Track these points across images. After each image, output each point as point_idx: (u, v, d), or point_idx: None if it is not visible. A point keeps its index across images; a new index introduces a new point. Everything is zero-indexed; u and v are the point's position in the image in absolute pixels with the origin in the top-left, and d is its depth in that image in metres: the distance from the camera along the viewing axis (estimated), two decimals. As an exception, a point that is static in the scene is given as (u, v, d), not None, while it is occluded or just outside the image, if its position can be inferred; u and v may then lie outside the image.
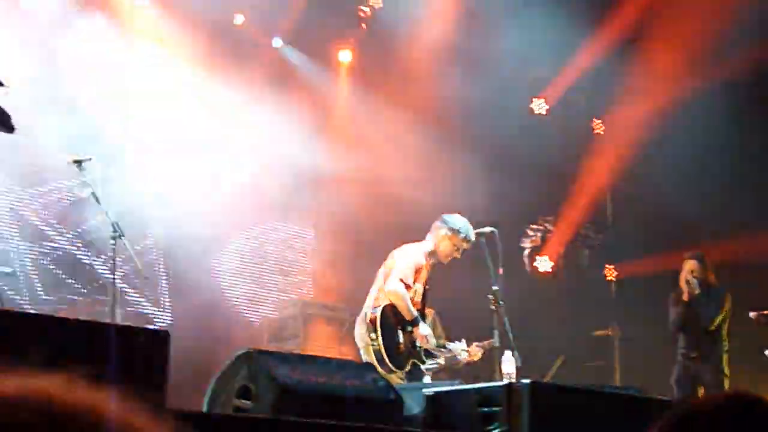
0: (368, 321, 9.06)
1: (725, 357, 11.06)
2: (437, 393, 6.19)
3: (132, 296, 12.39)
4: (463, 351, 9.84)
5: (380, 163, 13.78)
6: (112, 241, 8.32)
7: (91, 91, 12.41)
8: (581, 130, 15.52)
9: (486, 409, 5.83)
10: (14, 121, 7.26)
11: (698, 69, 13.43)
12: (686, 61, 13.47)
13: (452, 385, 7.44)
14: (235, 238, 13.85)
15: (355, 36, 14.70)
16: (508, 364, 8.55)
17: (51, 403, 1.13)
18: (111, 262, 8.55)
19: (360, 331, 9.16)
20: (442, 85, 14.03)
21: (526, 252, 15.11)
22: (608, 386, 11.69)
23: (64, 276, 11.99)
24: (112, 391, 1.23)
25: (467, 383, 7.45)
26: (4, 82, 7.17)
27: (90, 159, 8.53)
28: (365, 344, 9.01)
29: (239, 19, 13.72)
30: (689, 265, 11.16)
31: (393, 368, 8.89)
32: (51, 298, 11.82)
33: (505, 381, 8.17)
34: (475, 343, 10.36)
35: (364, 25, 14.62)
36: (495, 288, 8.98)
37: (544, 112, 15.39)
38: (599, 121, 15.54)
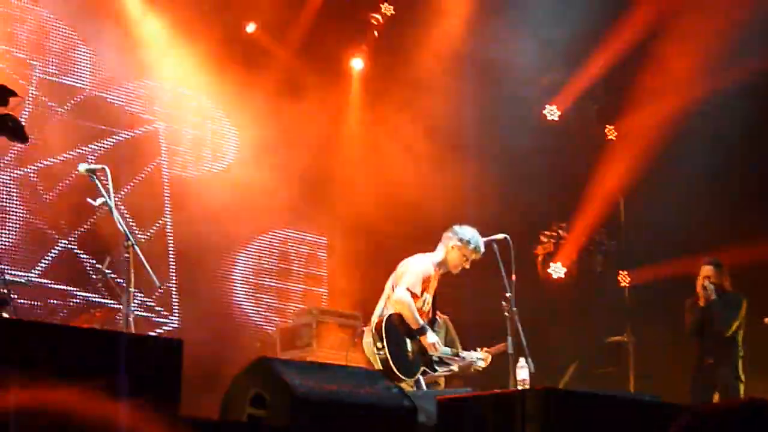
0: (374, 330, 9.06)
1: (741, 362, 11.03)
2: (450, 400, 6.17)
3: (145, 304, 12.39)
4: (480, 360, 9.81)
5: (392, 169, 13.77)
6: (126, 252, 8.31)
7: (104, 96, 12.46)
8: (594, 136, 15.48)
9: (500, 417, 5.81)
10: (27, 131, 7.26)
11: (712, 73, 13.39)
12: (700, 66, 13.43)
13: (465, 392, 7.42)
14: (247, 246, 13.85)
15: (366, 43, 14.70)
16: (522, 370, 8.54)
17: (69, 415, 1.13)
18: (124, 270, 8.55)
19: (367, 340, 9.16)
20: (454, 92, 14.02)
21: (540, 258, 15.09)
22: (622, 392, 11.69)
23: (76, 285, 12.01)
24: (127, 402, 1.23)
25: (480, 390, 7.45)
26: (17, 92, 7.18)
27: (103, 168, 8.53)
28: (372, 354, 9.00)
29: (251, 27, 13.75)
30: (705, 271, 11.13)
31: (401, 377, 8.88)
32: (64, 307, 11.84)
33: (519, 388, 8.17)
34: (484, 349, 10.36)
35: (375, 33, 14.63)
36: (508, 294, 8.97)
37: (556, 119, 15.36)
38: (611, 126, 15.51)
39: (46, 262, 11.88)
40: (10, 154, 11.59)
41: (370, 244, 13.34)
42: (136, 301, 11.95)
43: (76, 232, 12.15)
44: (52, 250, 11.96)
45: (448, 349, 9.65)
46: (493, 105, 13.96)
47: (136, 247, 8.26)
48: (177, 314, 12.69)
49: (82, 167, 8.57)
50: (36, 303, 11.58)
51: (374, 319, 9.25)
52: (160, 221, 12.85)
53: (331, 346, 12.45)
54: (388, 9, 14.56)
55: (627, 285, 15.17)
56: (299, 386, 5.28)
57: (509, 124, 14.26)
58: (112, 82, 12.66)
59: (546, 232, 15.09)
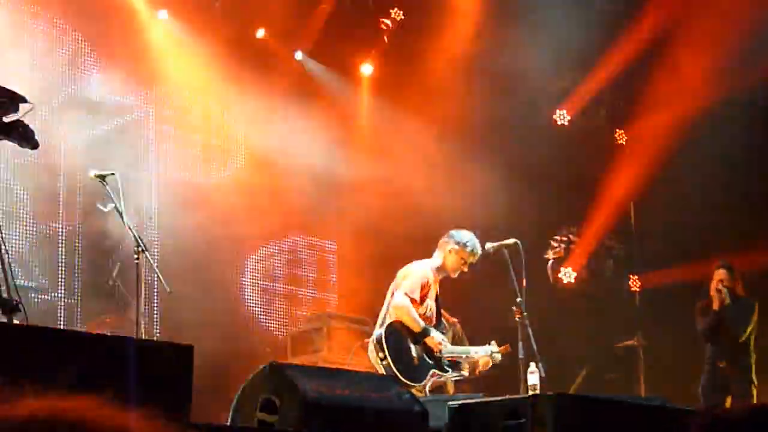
0: (375, 341, 9.08)
1: (753, 366, 11.02)
2: (462, 405, 6.17)
3: (155, 309, 12.41)
4: (496, 353, 9.77)
5: (403, 174, 13.77)
6: (135, 256, 8.33)
7: (112, 100, 12.50)
8: (604, 140, 15.48)
9: (511, 422, 5.81)
10: (38, 137, 7.27)
11: (724, 78, 13.37)
12: (711, 71, 13.42)
13: (476, 397, 7.42)
14: (257, 251, 13.87)
15: (377, 49, 14.71)
16: (533, 376, 8.53)
17: (82, 424, 1.13)
18: (134, 275, 8.56)
19: (370, 350, 9.18)
20: (464, 97, 14.02)
21: (550, 263, 15.08)
22: (632, 397, 11.67)
23: (87, 291, 12.03)
24: (139, 408, 1.23)
25: (491, 395, 7.44)
26: (28, 99, 7.20)
27: (113, 174, 8.55)
28: (377, 363, 9.00)
29: (261, 32, 13.77)
30: (719, 275, 11.12)
31: (409, 383, 8.87)
32: (74, 313, 11.86)
33: (530, 393, 8.16)
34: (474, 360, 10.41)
35: (386, 38, 14.63)
36: (519, 300, 8.97)
37: (566, 123, 15.35)
38: (622, 131, 15.50)
39: (56, 267, 11.90)
40: (19, 160, 11.60)
41: (380, 249, 13.32)
42: (150, 310, 12.01)
43: (86, 237, 12.16)
44: (62, 256, 11.97)
45: (456, 347, 9.66)
46: (503, 110, 13.95)
47: (146, 252, 8.27)
48: (187, 320, 12.69)
49: (92, 173, 8.59)
50: (46, 309, 11.59)
51: (377, 324, 9.28)
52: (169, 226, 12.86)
53: (341, 350, 12.45)
54: (398, 14, 14.56)
55: (637, 289, 15.17)
56: (310, 391, 5.28)
57: (519, 129, 14.27)
58: (121, 87, 12.67)
59: (556, 237, 15.08)
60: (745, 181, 13.71)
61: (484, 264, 9.86)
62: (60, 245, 11.97)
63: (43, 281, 11.63)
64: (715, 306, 11.08)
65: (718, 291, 11.04)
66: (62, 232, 12.00)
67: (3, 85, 7.09)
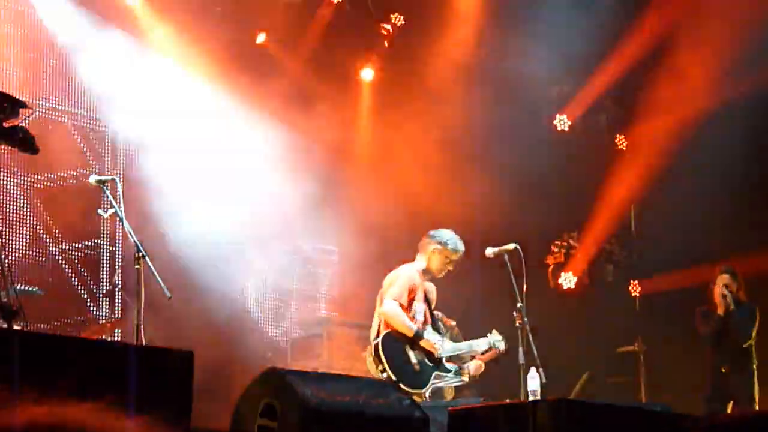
0: (373, 353, 9.09)
1: (756, 372, 11.01)
2: (462, 411, 6.16)
3: (155, 315, 12.39)
4: (499, 342, 9.76)
5: (404, 179, 13.77)
6: (136, 261, 8.32)
7: (112, 107, 12.50)
8: (604, 145, 15.49)
9: (511, 427, 5.80)
10: (37, 141, 7.28)
11: (723, 83, 13.37)
12: (711, 75, 13.42)
13: (477, 402, 7.41)
14: (257, 257, 13.85)
15: (377, 54, 14.71)
16: (533, 381, 8.52)
17: (83, 430, 1.13)
18: (134, 281, 8.55)
19: (369, 362, 9.20)
20: (465, 102, 14.02)
21: (551, 268, 15.07)
22: (633, 403, 11.66)
23: (87, 296, 12.03)
24: (139, 414, 1.22)
25: (492, 401, 7.44)
26: (27, 103, 7.20)
27: (113, 179, 8.55)
28: (377, 375, 9.01)
29: (261, 37, 13.77)
30: (724, 279, 11.11)
31: (412, 391, 8.87)
32: (75, 318, 11.85)
33: (531, 398, 8.15)
34: (477, 356, 10.41)
35: (386, 43, 14.64)
36: (519, 305, 8.96)
37: (566, 129, 15.36)
38: (622, 136, 15.51)
39: (57, 272, 11.89)
40: (19, 165, 11.60)
41: (381, 254, 13.32)
42: (149, 316, 12.00)
43: (87, 242, 12.16)
44: (63, 261, 11.97)
45: (457, 344, 9.66)
46: (503, 114, 13.96)
47: (147, 258, 8.26)
48: (188, 327, 12.68)
49: (93, 178, 8.59)
50: (47, 314, 11.59)
51: (372, 336, 9.29)
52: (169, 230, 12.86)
53: (342, 356, 12.44)
54: (398, 19, 14.56)
55: (638, 295, 15.17)
56: (311, 397, 5.27)
57: (520, 134, 14.26)
58: (120, 92, 12.66)
59: (557, 242, 15.08)
60: (745, 186, 13.71)
61: (484, 269, 9.85)
62: (60, 250, 11.96)
63: (43, 287, 11.62)
64: (720, 311, 11.07)
65: (724, 297, 11.02)
66: (62, 236, 11.98)
67: (2, 91, 7.10)
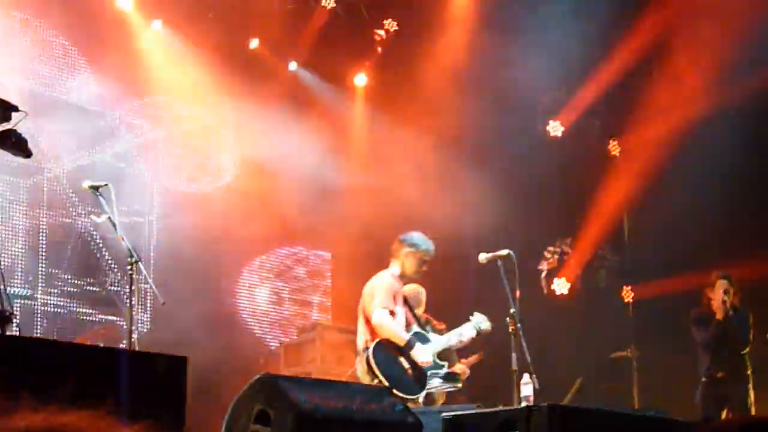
0: (365, 363, 9.10)
1: (751, 378, 11.02)
2: (456, 417, 6.16)
3: (147, 320, 12.39)
4: (482, 322, 9.75)
5: (397, 184, 13.77)
6: (129, 267, 8.32)
7: (104, 110, 12.50)
8: (597, 151, 15.50)
9: (505, 433, 5.80)
10: (31, 145, 7.27)
11: (717, 88, 13.38)
12: (705, 81, 13.44)
13: (470, 408, 7.41)
14: (251, 261, 13.86)
15: (370, 59, 14.72)
16: (526, 387, 8.51)
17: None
18: (128, 286, 8.56)
19: (361, 368, 9.20)
20: (458, 107, 14.02)
21: (544, 274, 15.08)
22: (626, 408, 11.65)
23: (80, 301, 12.02)
24: (134, 420, 1.22)
25: (485, 407, 7.43)
26: (20, 108, 7.19)
27: (106, 184, 8.54)
28: (371, 383, 9.01)
29: (254, 43, 13.78)
30: (723, 285, 11.10)
31: (406, 397, 8.87)
32: (68, 323, 11.84)
33: (524, 404, 8.15)
34: (461, 360, 10.42)
35: (379, 49, 14.64)
36: (512, 310, 8.96)
37: (559, 134, 15.37)
38: (615, 142, 15.52)
39: (50, 276, 11.88)
40: (12, 169, 11.60)
41: (374, 260, 13.33)
42: (143, 321, 12.00)
43: (80, 248, 12.15)
44: (56, 265, 11.96)
45: (442, 338, 9.66)
46: (497, 120, 13.97)
47: (140, 263, 8.26)
48: (181, 330, 12.68)
49: (86, 184, 8.59)
50: (39, 319, 11.58)
51: (360, 348, 9.30)
52: (163, 237, 12.86)
53: (335, 362, 12.44)
54: (392, 25, 14.57)
55: (631, 300, 15.17)
56: (304, 403, 5.27)
57: (513, 139, 14.27)
58: (113, 97, 12.66)
59: (550, 248, 15.08)
60: (738, 191, 13.71)
61: (477, 275, 9.85)
62: (53, 255, 11.95)
63: (36, 291, 11.61)
64: (720, 316, 11.05)
65: (724, 302, 11.02)
66: (55, 241, 11.97)
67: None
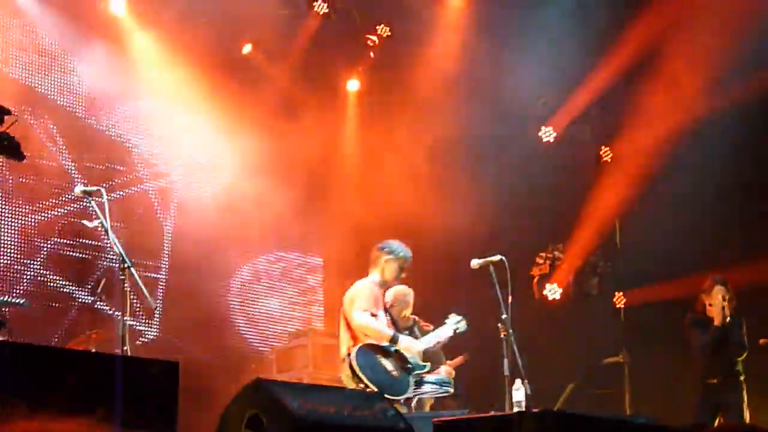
0: (349, 368, 9.13)
1: (744, 384, 11.01)
2: (447, 422, 6.16)
3: (140, 327, 12.38)
4: (458, 322, 9.88)
5: (390, 189, 13.78)
6: (121, 272, 8.31)
7: (95, 117, 12.50)
8: (589, 157, 15.51)
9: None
10: (23, 148, 7.26)
11: (710, 94, 13.40)
12: (697, 87, 13.45)
13: (462, 414, 7.42)
14: (243, 267, 13.85)
15: (363, 64, 14.72)
16: (518, 392, 8.52)
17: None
18: (119, 291, 8.54)
19: (345, 374, 9.22)
20: (451, 113, 14.05)
21: (536, 280, 15.08)
22: (618, 414, 11.65)
23: (72, 307, 12.00)
24: (126, 427, 1.23)
25: (477, 412, 7.44)
26: (12, 110, 7.18)
27: (99, 189, 8.54)
28: (356, 387, 9.04)
29: (247, 48, 13.78)
30: (720, 291, 11.08)
31: (395, 397, 8.89)
32: (60, 329, 11.83)
33: (515, 410, 8.16)
34: (447, 362, 10.45)
35: (372, 54, 14.65)
36: (504, 316, 8.97)
37: (552, 140, 15.38)
38: (607, 148, 15.53)
39: (41, 281, 11.86)
40: (2, 174, 11.59)
41: (366, 266, 13.35)
42: (135, 328, 11.99)
43: (71, 253, 12.13)
44: (48, 271, 11.93)
45: (424, 338, 9.74)
46: (489, 125, 13.99)
47: (132, 269, 8.25)
48: (174, 338, 12.67)
49: (78, 189, 8.59)
50: (31, 325, 11.55)
51: (343, 355, 9.32)
52: (155, 242, 12.86)
53: (327, 367, 12.43)
54: (384, 31, 14.58)
55: (622, 306, 15.17)
56: (296, 408, 5.27)
57: (505, 145, 14.30)
58: (104, 103, 12.65)
59: (542, 254, 15.08)
60: (730, 197, 13.73)
61: (469, 280, 9.86)
62: (44, 261, 11.93)
63: (27, 297, 11.59)
64: (718, 322, 11.02)
65: (723, 308, 11.00)
66: (46, 246, 11.96)
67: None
